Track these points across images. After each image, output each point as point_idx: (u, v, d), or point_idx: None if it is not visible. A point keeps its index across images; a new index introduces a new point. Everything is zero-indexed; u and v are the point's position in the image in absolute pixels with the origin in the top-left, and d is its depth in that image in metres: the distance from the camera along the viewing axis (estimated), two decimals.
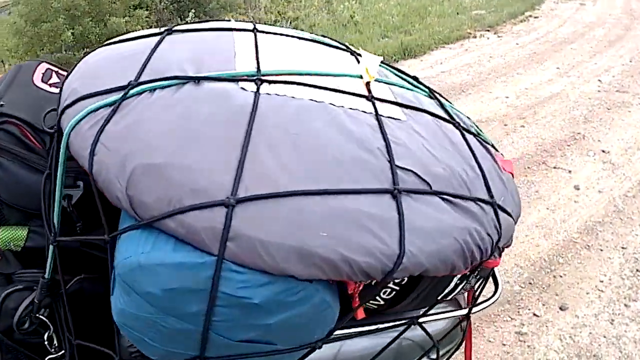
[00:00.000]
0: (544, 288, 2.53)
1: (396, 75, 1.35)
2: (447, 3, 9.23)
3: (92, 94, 0.98)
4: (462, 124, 1.18)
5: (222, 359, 0.89)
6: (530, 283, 2.55)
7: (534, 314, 2.37)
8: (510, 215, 1.09)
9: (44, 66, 1.31)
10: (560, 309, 2.40)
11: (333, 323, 0.93)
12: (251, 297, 0.81)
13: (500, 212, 1.04)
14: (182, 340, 0.86)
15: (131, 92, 0.98)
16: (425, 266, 0.89)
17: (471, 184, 1.03)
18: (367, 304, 1.03)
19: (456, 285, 1.10)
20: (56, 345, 1.08)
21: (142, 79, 1.01)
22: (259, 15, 9.82)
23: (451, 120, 1.17)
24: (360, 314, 1.00)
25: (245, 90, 1.00)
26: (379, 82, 1.20)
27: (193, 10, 8.99)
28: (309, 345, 0.93)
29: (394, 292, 1.03)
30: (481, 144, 1.20)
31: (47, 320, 1.05)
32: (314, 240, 0.81)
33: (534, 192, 3.33)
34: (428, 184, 0.96)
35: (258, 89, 1.01)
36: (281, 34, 1.30)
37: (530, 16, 8.52)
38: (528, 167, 3.62)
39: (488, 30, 7.50)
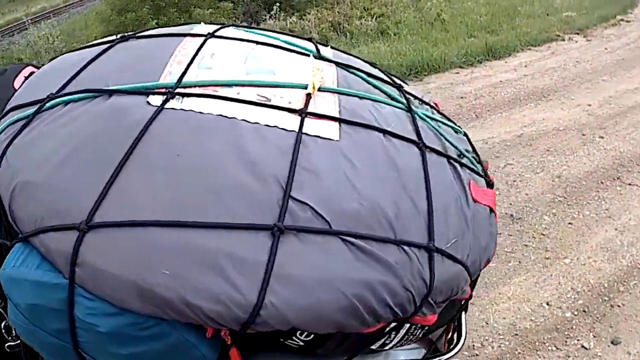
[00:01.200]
0: (598, 318, 2.31)
1: (372, 83, 1.23)
2: (538, 3, 8.82)
3: (20, 105, 1.02)
4: (433, 145, 1.06)
5: None
6: (584, 311, 2.34)
7: (582, 346, 2.17)
8: (459, 262, 0.93)
9: (28, 70, 1.32)
10: (612, 342, 2.18)
11: None
12: (98, 325, 0.79)
13: (438, 259, 0.89)
14: (64, 355, 0.85)
15: (47, 104, 1.00)
16: (292, 322, 0.79)
17: (400, 223, 0.89)
18: (287, 342, 0.91)
19: (389, 335, 0.95)
20: (14, 334, 1.08)
21: (67, 90, 1.02)
22: (344, 10, 9.72)
23: (416, 140, 1.05)
24: (234, 358, 0.87)
25: (150, 104, 0.97)
26: (335, 92, 1.10)
27: (278, 4, 9.01)
28: None
29: (311, 335, 0.89)
30: (455, 169, 1.07)
31: (2, 311, 1.06)
32: (154, 278, 0.76)
33: (603, 210, 3.07)
34: (327, 222, 0.84)
35: (164, 103, 0.97)
36: (243, 40, 1.24)
37: (622, 20, 7.97)
38: (601, 182, 3.35)
39: (577, 34, 7.07)
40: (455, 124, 1.24)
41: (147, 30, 1.36)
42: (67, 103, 1.00)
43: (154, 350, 0.80)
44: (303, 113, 1.01)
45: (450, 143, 1.12)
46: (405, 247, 0.87)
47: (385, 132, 1.03)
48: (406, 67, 5.25)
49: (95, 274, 0.78)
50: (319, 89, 1.08)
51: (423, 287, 0.86)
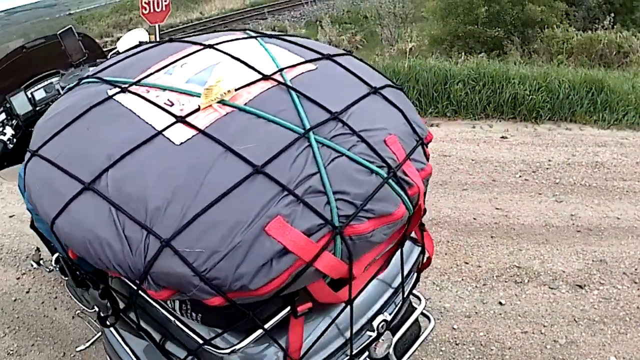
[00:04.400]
0: None
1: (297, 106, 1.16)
2: None
3: (82, 77, 1.39)
4: (279, 177, 1.02)
5: None
6: None
7: None
8: (188, 264, 0.95)
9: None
10: None
11: None
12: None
13: (168, 253, 0.96)
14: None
15: (82, 82, 1.34)
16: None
17: (158, 215, 0.99)
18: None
19: None
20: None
21: (98, 74, 1.34)
22: None
23: (253, 163, 1.03)
24: None
25: (107, 93, 1.23)
26: (235, 107, 1.14)
27: (612, 15, 8.60)
28: None
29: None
30: (274, 199, 1.00)
31: None
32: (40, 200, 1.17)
33: None
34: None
35: (114, 95, 1.21)
36: (230, 54, 1.31)
37: None
38: None
39: None
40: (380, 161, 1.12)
41: (188, 36, 1.56)
42: (87, 83, 1.33)
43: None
44: (177, 118, 1.10)
45: (323, 178, 1.04)
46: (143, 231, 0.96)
47: (229, 149, 1.04)
48: None
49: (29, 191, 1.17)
50: (223, 103, 1.13)
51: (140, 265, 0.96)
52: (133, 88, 1.23)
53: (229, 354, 1.12)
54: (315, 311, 1.19)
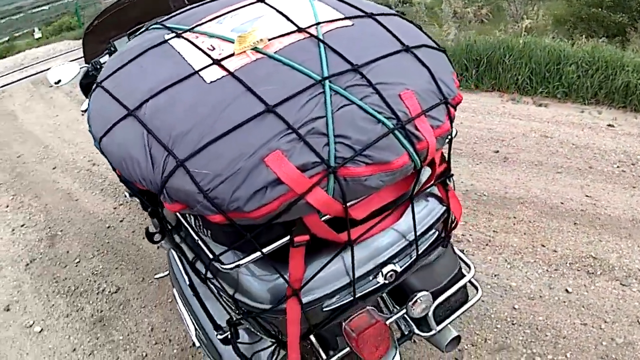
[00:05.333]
0: None
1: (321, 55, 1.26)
2: None
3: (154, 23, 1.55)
4: (291, 120, 1.11)
5: None
6: None
7: None
8: (195, 185, 1.08)
9: None
10: None
11: None
12: None
13: (180, 172, 1.09)
14: None
15: (151, 27, 1.52)
16: None
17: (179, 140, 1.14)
18: None
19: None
20: None
21: (164, 22, 1.49)
22: None
23: (266, 103, 1.13)
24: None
25: (164, 37, 1.39)
26: (264, 54, 1.25)
27: None
28: None
29: None
30: (278, 136, 1.10)
31: None
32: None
33: None
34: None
35: (170, 39, 1.37)
36: (277, 9, 1.42)
37: None
38: None
39: None
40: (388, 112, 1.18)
41: None
42: (156, 29, 1.49)
43: None
44: (214, 61, 1.23)
45: (328, 122, 1.13)
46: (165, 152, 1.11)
47: (249, 89, 1.15)
48: None
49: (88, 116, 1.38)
50: (256, 50, 1.25)
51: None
52: (186, 34, 1.38)
53: (231, 269, 1.25)
54: (325, 250, 1.30)
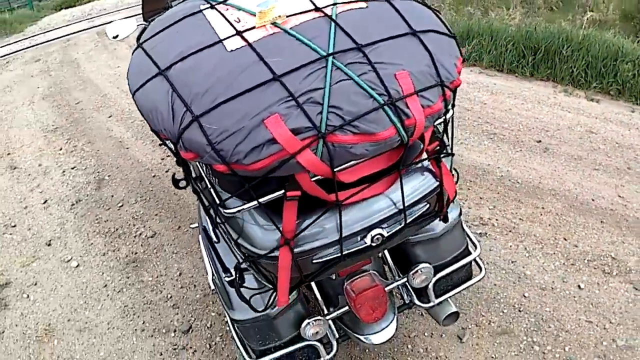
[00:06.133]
0: None
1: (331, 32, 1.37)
2: None
3: None
4: (296, 88, 1.24)
5: None
6: None
7: None
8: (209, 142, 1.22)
9: None
10: None
11: None
12: None
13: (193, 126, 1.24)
14: None
15: None
16: None
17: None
18: None
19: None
20: None
21: None
22: None
23: (275, 74, 1.26)
24: None
25: (199, 7, 1.53)
26: (281, 30, 1.38)
27: None
28: None
29: None
30: (285, 102, 1.23)
31: None
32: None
33: None
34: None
35: (204, 9, 1.51)
36: None
37: None
38: None
39: None
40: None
41: None
42: None
43: None
44: (237, 32, 1.37)
45: (324, 93, 1.24)
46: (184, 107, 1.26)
47: (262, 59, 1.28)
48: None
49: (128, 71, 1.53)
50: (275, 24, 1.38)
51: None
52: (219, 6, 1.52)
53: (231, 214, 1.42)
54: (319, 209, 1.42)
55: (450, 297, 1.97)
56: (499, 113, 4.38)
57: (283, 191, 1.34)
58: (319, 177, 1.30)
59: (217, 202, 1.46)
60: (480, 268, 2.04)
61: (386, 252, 1.94)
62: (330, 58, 1.29)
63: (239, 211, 1.40)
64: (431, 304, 1.92)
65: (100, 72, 7.31)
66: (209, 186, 1.55)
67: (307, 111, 1.21)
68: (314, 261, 1.49)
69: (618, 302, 2.50)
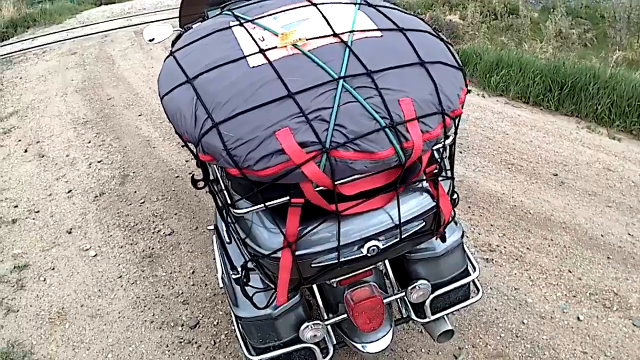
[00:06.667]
0: None
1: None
2: None
3: (229, 8, 1.86)
4: (301, 100, 1.38)
5: None
6: None
7: None
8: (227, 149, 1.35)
9: None
10: None
11: None
12: None
13: (213, 133, 1.38)
14: None
15: (224, 12, 1.84)
16: None
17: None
18: None
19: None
20: None
21: (234, 10, 1.79)
22: None
23: (289, 91, 1.40)
24: None
25: (229, 24, 1.69)
26: (301, 52, 1.51)
27: None
28: None
29: None
30: (296, 118, 1.36)
31: None
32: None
33: None
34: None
35: (233, 26, 1.67)
36: (323, 12, 1.67)
37: None
38: None
39: None
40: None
41: None
42: (226, 14, 1.80)
43: None
44: (260, 50, 1.51)
45: (332, 112, 1.37)
46: (206, 114, 1.40)
47: (280, 77, 1.42)
48: None
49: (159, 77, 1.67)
50: (294, 46, 1.52)
51: None
52: (247, 24, 1.67)
53: (240, 214, 1.56)
54: (321, 218, 1.53)
55: (446, 314, 2.05)
56: (520, 144, 4.43)
57: (288, 197, 1.45)
58: (322, 187, 1.40)
59: (229, 202, 1.57)
60: (478, 290, 2.11)
61: (388, 266, 2.02)
62: (341, 81, 1.41)
63: (247, 212, 1.52)
64: (427, 319, 2.00)
65: (134, 70, 7.50)
66: (223, 188, 1.67)
67: (315, 127, 1.33)
68: (313, 265, 1.59)
69: (615, 337, 2.54)
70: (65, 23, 12.45)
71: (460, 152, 4.33)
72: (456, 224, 1.99)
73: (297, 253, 1.54)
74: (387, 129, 1.36)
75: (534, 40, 7.86)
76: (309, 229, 1.52)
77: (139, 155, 4.84)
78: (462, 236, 2.00)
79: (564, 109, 5.07)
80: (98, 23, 11.74)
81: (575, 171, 3.98)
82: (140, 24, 10.56)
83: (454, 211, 1.84)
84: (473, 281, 2.06)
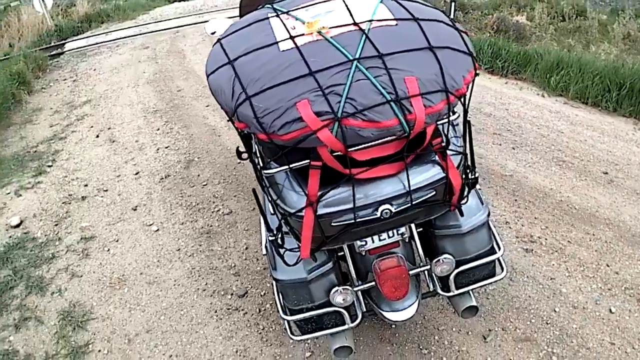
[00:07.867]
0: None
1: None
2: None
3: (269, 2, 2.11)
4: (324, 82, 1.59)
5: None
6: None
7: None
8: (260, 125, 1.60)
9: None
10: None
11: None
12: None
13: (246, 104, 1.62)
14: None
15: (266, 5, 2.07)
16: None
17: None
18: None
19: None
20: None
21: (274, 3, 2.06)
22: None
23: (311, 70, 1.62)
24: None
25: (267, 15, 1.93)
26: (325, 39, 1.72)
27: None
28: None
29: None
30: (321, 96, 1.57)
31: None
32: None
33: None
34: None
35: (270, 17, 1.92)
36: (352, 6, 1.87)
37: None
38: None
39: None
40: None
41: None
42: (268, 7, 2.03)
43: None
44: (290, 36, 1.74)
45: (345, 88, 1.58)
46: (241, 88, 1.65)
47: (304, 58, 1.64)
48: None
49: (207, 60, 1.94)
50: (319, 33, 1.73)
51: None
52: (282, 15, 1.91)
53: (270, 174, 1.83)
54: (340, 182, 1.74)
55: (471, 290, 2.18)
56: (574, 143, 4.45)
57: (308, 161, 1.70)
58: (338, 153, 1.62)
59: (261, 165, 1.83)
60: (503, 268, 2.22)
61: (418, 241, 2.17)
62: (355, 62, 1.62)
63: (275, 172, 1.80)
64: (451, 293, 2.14)
65: (204, 64, 7.79)
66: (258, 156, 1.93)
67: (329, 100, 1.55)
68: (333, 224, 1.79)
69: None
70: (138, 19, 13.04)
71: (513, 149, 4.39)
72: (482, 203, 2.12)
73: (318, 212, 1.76)
74: (392, 102, 1.56)
75: (602, 42, 7.72)
76: (329, 189, 1.74)
77: (204, 143, 5.14)
78: (488, 215, 2.12)
79: (623, 110, 5.02)
80: (170, 19, 12.24)
81: (627, 170, 3.97)
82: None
83: (478, 192, 1.97)
84: (498, 260, 2.17)
